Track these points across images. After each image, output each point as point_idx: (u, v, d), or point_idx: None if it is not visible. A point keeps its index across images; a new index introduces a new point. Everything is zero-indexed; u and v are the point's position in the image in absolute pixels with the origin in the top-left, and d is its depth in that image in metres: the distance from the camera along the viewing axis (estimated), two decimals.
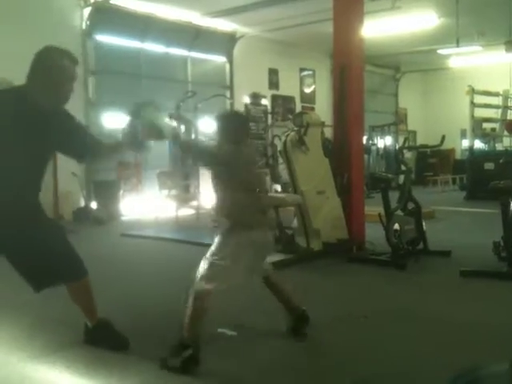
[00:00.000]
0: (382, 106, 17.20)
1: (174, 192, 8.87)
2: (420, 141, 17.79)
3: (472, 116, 13.18)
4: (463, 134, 16.52)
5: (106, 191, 9.60)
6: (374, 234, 6.17)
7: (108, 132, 9.69)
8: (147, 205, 9.70)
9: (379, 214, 5.51)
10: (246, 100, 12.63)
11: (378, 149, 14.89)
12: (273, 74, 13.98)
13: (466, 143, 15.54)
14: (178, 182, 9.43)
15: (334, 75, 6.50)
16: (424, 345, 3.28)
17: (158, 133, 2.95)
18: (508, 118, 14.11)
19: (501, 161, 9.53)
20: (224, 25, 12.04)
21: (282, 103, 14.24)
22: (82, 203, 9.53)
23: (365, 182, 7.37)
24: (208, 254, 3.03)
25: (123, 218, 9.52)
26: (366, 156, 10.63)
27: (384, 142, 15.38)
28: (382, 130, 15.07)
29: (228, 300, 3.28)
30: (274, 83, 14.02)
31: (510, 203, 5.09)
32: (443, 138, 6.37)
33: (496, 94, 13.92)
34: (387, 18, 10.83)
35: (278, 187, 8.94)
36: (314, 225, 5.92)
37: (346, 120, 6.24)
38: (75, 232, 6.42)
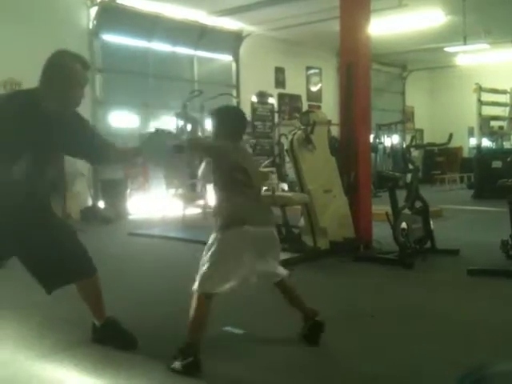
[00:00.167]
0: (389, 105, 17.15)
1: (180, 191, 8.88)
2: (427, 139, 17.73)
3: (479, 114, 13.12)
4: (471, 132, 16.43)
5: (114, 190, 9.63)
6: (381, 232, 6.15)
7: (115, 131, 9.76)
8: (154, 204, 9.73)
9: (386, 213, 5.50)
10: (253, 99, 12.63)
11: (384, 147, 14.81)
12: (279, 72, 13.97)
13: (473, 141, 15.46)
14: (185, 181, 9.43)
15: (341, 73, 6.49)
16: (432, 343, 3.26)
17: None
18: None
19: (509, 159, 9.43)
20: (230, 24, 12.04)
21: (289, 102, 14.23)
22: (90, 202, 9.58)
23: (372, 181, 7.34)
24: (203, 253, 2.98)
25: (130, 217, 9.55)
26: (372, 154, 10.56)
27: (391, 140, 15.30)
28: (388, 128, 15.01)
29: (233, 299, 3.27)
30: (280, 82, 14.01)
31: None
32: (451, 136, 6.34)
33: (503, 92, 13.84)
34: (394, 15, 10.81)
35: (285, 186, 8.91)
36: (321, 223, 5.92)
37: (353, 118, 6.23)
38: (83, 231, 6.37)
